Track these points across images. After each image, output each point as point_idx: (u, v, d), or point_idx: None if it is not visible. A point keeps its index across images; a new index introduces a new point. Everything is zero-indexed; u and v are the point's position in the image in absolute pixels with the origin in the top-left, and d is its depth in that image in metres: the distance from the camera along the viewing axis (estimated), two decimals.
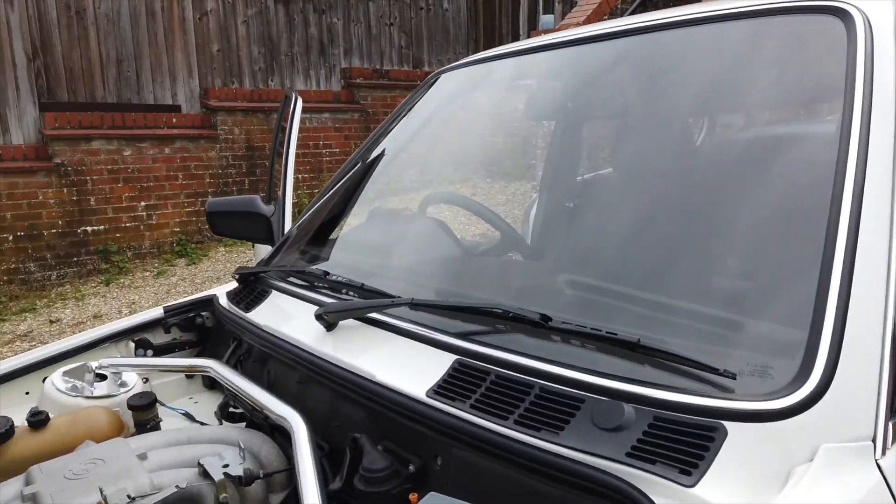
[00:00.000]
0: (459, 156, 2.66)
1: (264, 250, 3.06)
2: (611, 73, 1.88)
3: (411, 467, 1.09)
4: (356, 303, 1.42)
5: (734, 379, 0.91)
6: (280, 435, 1.34)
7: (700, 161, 1.81)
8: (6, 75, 6.80)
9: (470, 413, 1.03)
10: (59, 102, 7.10)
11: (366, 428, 1.19)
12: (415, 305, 1.29)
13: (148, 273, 7.07)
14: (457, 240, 1.88)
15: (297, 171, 8.27)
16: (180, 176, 7.61)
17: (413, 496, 1.03)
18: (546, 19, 8.42)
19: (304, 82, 8.76)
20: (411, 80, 9.12)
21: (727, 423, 0.85)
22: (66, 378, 1.73)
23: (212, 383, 1.98)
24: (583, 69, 1.92)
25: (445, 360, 1.16)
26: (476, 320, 1.21)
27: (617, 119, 2.03)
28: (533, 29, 9.50)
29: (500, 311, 1.17)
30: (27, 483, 1.15)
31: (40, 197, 6.72)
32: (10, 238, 6.60)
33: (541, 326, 1.11)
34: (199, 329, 2.06)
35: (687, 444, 0.85)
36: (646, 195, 1.55)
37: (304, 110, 8.27)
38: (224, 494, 1.09)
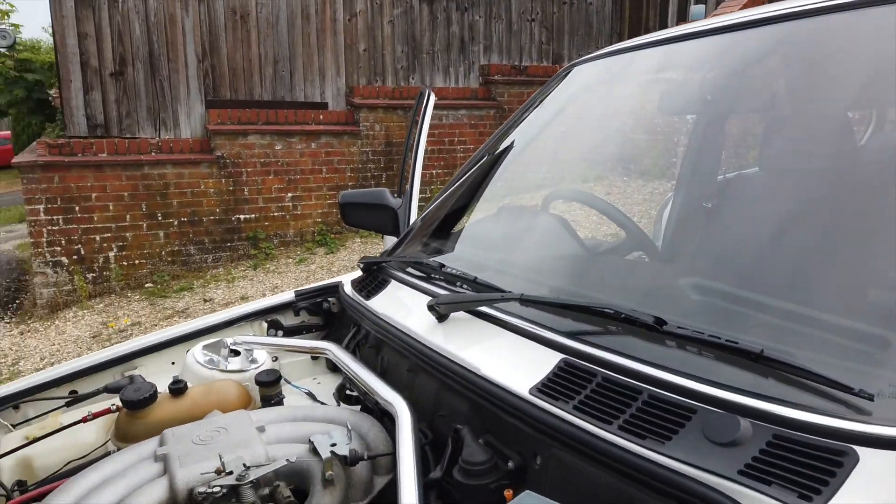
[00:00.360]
0: (593, 152, 2.58)
1: (392, 242, 3.15)
2: (760, 63, 1.74)
3: (510, 464, 1.07)
4: (467, 295, 1.41)
5: (871, 400, 0.81)
6: (389, 420, 1.37)
7: (864, 161, 1.62)
8: (179, 75, 7.51)
9: (572, 414, 1.00)
10: (222, 100, 7.73)
11: (469, 420, 1.18)
12: (525, 301, 1.26)
13: (291, 260, 7.53)
14: (577, 238, 1.82)
15: (430, 168, 8.47)
16: (324, 169, 8.04)
17: (508, 492, 1.02)
18: (696, 10, 7.98)
19: (443, 79, 8.93)
20: (549, 76, 8.99)
21: (859, 449, 0.76)
22: (205, 352, 1.88)
23: (334, 366, 2.07)
24: (728, 59, 1.79)
25: (552, 359, 1.13)
26: (586, 319, 1.17)
27: (766, 113, 1.88)
28: (682, 21, 9.05)
29: (612, 311, 1.12)
30: (160, 444, 1.26)
31: (202, 186, 7.36)
32: (175, 223, 7.29)
33: (654, 330, 1.05)
34: (325, 314, 2.16)
35: (810, 468, 0.77)
36: (796, 198, 1.42)
37: (441, 107, 8.44)
38: (330, 472, 1.13)
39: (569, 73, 2.24)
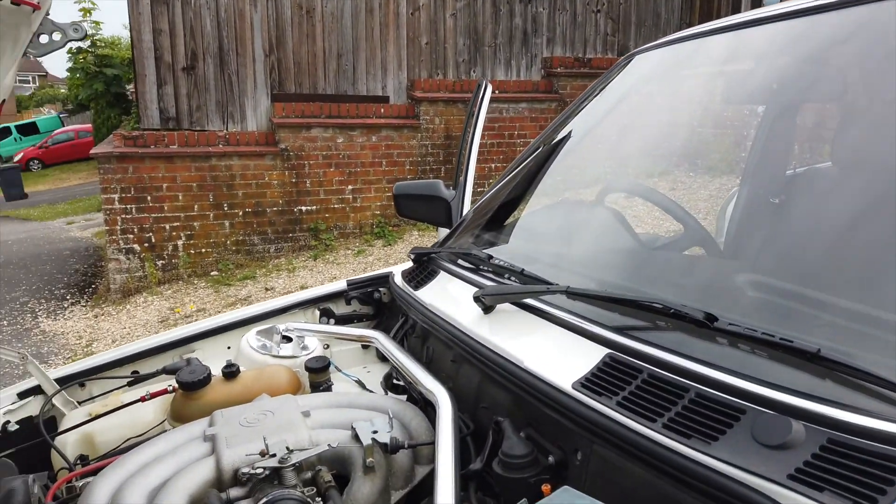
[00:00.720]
0: (654, 145, 2.51)
1: (445, 233, 3.14)
2: (835, 50, 1.64)
3: (551, 458, 1.05)
4: (512, 287, 1.40)
5: None
6: (432, 410, 1.37)
7: None
8: (246, 69, 7.72)
9: (616, 410, 0.97)
10: (287, 93, 7.90)
11: (510, 413, 1.17)
12: (571, 294, 1.24)
13: (349, 251, 7.64)
14: (632, 232, 1.77)
15: (489, 161, 8.43)
16: (384, 162, 8.12)
17: (546, 487, 1.00)
18: None
19: (504, 72, 8.87)
20: None
21: None
22: (259, 337, 1.92)
23: (383, 355, 2.08)
24: (801, 45, 1.70)
25: (596, 353, 1.10)
26: (633, 314, 1.13)
27: (842, 104, 1.78)
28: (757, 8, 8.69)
29: (661, 306, 1.08)
30: (210, 424, 1.29)
31: (266, 178, 7.55)
32: (241, 214, 7.51)
33: (705, 326, 1.01)
34: (376, 303, 2.18)
35: (866, 475, 0.72)
36: (869, 194, 1.34)
37: (502, 100, 8.39)
38: (370, 459, 1.14)
39: (629, 62, 2.18)
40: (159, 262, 7.22)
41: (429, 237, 7.98)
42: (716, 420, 0.87)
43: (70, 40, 1.65)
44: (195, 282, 7.16)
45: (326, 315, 2.15)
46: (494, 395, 1.24)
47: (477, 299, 1.40)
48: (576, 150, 2.06)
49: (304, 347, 1.90)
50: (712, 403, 0.90)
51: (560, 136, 2.12)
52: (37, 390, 1.80)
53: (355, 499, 1.11)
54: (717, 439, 0.85)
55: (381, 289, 2.18)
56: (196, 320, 6.09)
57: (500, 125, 8.47)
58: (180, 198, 7.21)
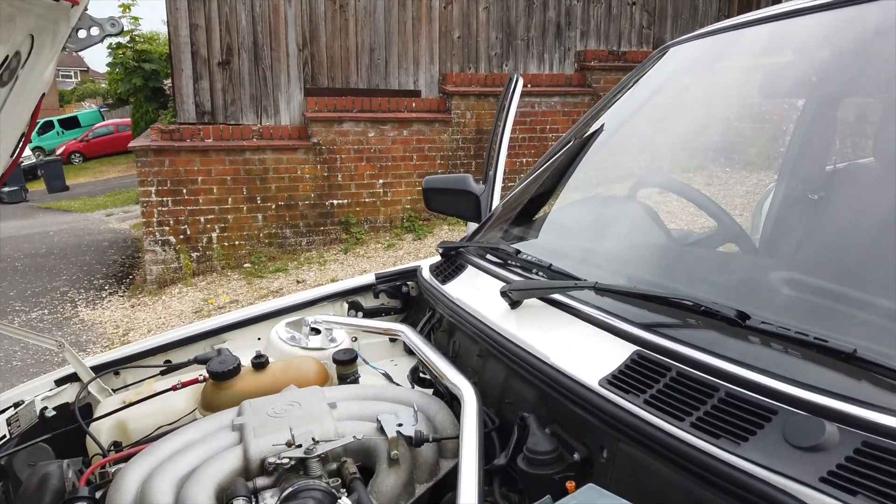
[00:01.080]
0: (688, 139, 2.46)
1: (474, 228, 3.13)
2: (880, 41, 1.59)
3: (576, 455, 1.04)
4: (539, 282, 1.38)
5: None
6: (458, 404, 1.36)
7: None
8: (280, 64, 7.80)
9: (643, 409, 0.95)
10: (320, 88, 7.96)
11: (535, 409, 1.16)
12: (599, 290, 1.22)
13: (380, 245, 7.68)
14: (664, 227, 1.74)
15: (520, 156, 8.38)
16: (414, 157, 8.13)
17: (571, 484, 0.99)
18: None
19: (537, 66, 8.80)
20: None
21: None
22: (288, 329, 1.94)
23: (410, 349, 2.09)
24: (843, 36, 1.65)
25: (624, 350, 1.09)
26: (663, 311, 1.11)
27: (884, 98, 1.72)
28: None
29: (691, 303, 1.06)
30: (238, 414, 1.31)
31: (298, 172, 7.63)
32: (273, 207, 7.59)
33: (736, 325, 0.99)
34: (404, 297, 2.18)
35: None
36: None
37: (534, 94, 8.33)
38: (395, 451, 1.14)
39: (664, 54, 2.14)
40: (194, 254, 7.34)
41: (459, 232, 7.97)
42: (746, 420, 0.85)
43: (107, 35, 1.68)
44: (228, 274, 7.27)
45: (354, 308, 2.17)
46: (520, 390, 1.23)
47: (504, 294, 1.39)
48: (608, 144, 2.03)
49: (333, 340, 1.91)
50: (743, 403, 0.88)
51: (592, 130, 2.10)
52: (73, 378, 1.84)
53: (380, 491, 1.12)
54: (746, 440, 0.83)
55: (409, 282, 2.18)
56: (229, 312, 6.19)
57: (532, 119, 8.41)
58: (215, 191, 7.32)
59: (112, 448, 1.54)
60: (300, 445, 1.13)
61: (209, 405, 1.61)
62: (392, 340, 2.10)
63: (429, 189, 2.60)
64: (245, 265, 7.43)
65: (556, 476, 1.02)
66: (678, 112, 2.21)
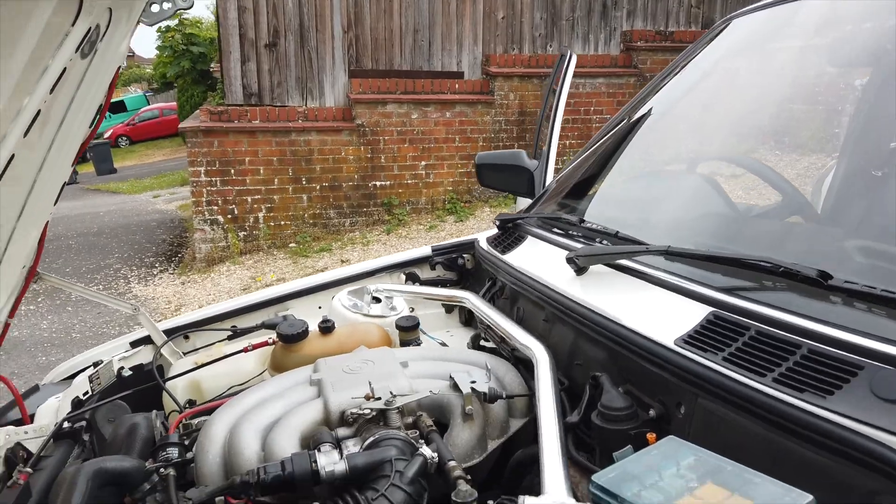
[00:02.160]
0: (745, 120, 2.42)
1: (524, 204, 3.13)
2: None
3: (651, 412, 1.06)
4: (608, 248, 1.40)
5: None
6: (524, 368, 1.39)
7: None
8: (325, 46, 7.86)
9: (723, 366, 0.97)
10: (363, 70, 8.01)
11: (606, 369, 1.17)
12: (671, 254, 1.23)
13: (422, 227, 7.73)
14: (728, 199, 1.73)
15: (564, 137, 8.30)
16: (457, 139, 8.13)
17: (651, 436, 1.01)
18: None
19: (581, 47, 8.70)
20: None
21: None
22: (350, 297, 1.99)
23: (467, 320, 2.12)
24: None
25: (699, 312, 1.10)
26: (738, 273, 1.12)
27: None
28: None
29: (770, 264, 1.06)
30: (314, 371, 1.36)
31: (342, 153, 7.71)
32: (318, 188, 7.70)
33: (818, 285, 0.99)
34: (460, 269, 2.21)
35: None
36: None
37: (579, 75, 8.23)
38: (469, 406, 1.18)
39: (725, 27, 2.11)
40: (241, 234, 7.50)
41: (500, 213, 7.97)
42: (831, 375, 0.86)
43: (179, 9, 1.73)
44: (274, 253, 7.41)
45: (412, 279, 2.21)
46: (590, 352, 1.25)
47: (570, 261, 1.41)
48: (669, 117, 2.02)
49: (392, 308, 1.96)
50: (827, 359, 0.88)
51: (650, 105, 2.08)
52: (146, 340, 1.92)
53: (455, 444, 1.15)
54: (832, 393, 0.84)
55: (464, 255, 2.21)
56: (289, 282, 6.29)
57: (576, 101, 8.33)
58: (261, 171, 7.45)
59: (188, 405, 1.61)
60: (380, 398, 1.17)
61: (278, 366, 1.67)
62: (448, 311, 2.14)
63: (482, 165, 2.61)
64: (290, 245, 7.57)
65: (631, 431, 1.04)
66: (740, 89, 2.17)
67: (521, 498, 0.83)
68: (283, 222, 7.64)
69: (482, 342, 1.75)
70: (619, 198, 1.89)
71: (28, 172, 1.33)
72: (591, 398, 1.14)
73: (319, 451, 1.05)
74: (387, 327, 1.84)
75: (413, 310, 2.07)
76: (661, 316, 1.15)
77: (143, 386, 1.76)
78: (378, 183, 7.91)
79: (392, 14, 8.02)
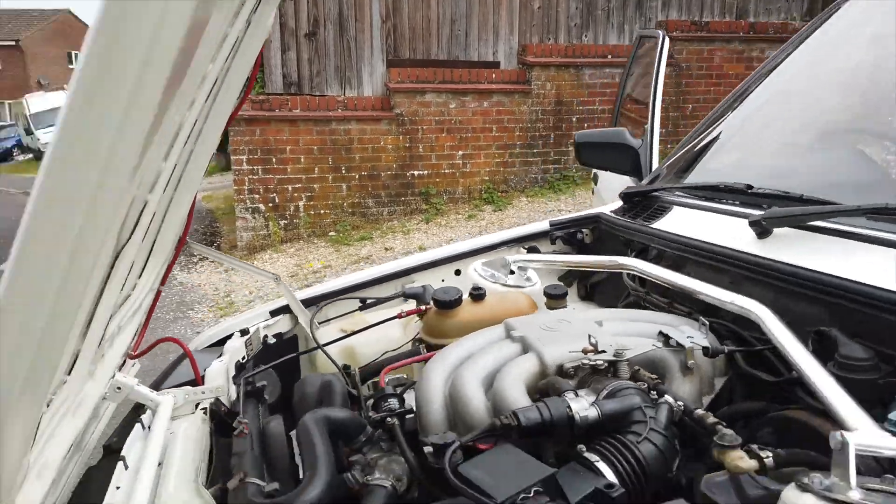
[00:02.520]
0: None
1: (604, 188, 3.14)
2: None
3: None
4: (805, 209, 1.40)
5: None
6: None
7: None
8: (364, 35, 7.87)
9: None
10: (401, 59, 8.01)
11: (826, 325, 1.18)
12: (875, 212, 1.23)
13: (460, 216, 7.74)
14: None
15: (598, 125, 8.29)
16: (494, 128, 8.13)
17: None
18: None
19: (616, 37, 8.68)
20: (733, 32, 8.52)
21: None
22: (486, 268, 2.00)
23: (586, 293, 2.14)
24: None
25: None
26: None
27: None
28: None
29: None
30: (508, 330, 1.37)
31: (381, 142, 7.72)
32: (357, 177, 7.71)
33: None
34: (578, 244, 2.22)
35: None
36: None
37: (615, 65, 8.22)
38: (692, 361, 1.19)
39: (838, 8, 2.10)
40: (282, 222, 7.53)
41: (538, 203, 7.97)
42: None
43: None
44: (315, 241, 7.44)
45: (533, 253, 2.22)
46: (797, 309, 1.26)
47: (755, 223, 1.42)
48: (803, 85, 2.01)
49: (528, 279, 1.97)
50: None
51: (777, 76, 2.08)
52: (285, 309, 1.95)
53: (679, 396, 1.16)
54: None
55: (583, 230, 2.22)
56: (325, 276, 6.34)
57: (612, 91, 8.30)
58: (302, 160, 7.47)
59: (345, 369, 1.63)
60: (603, 351, 1.18)
61: (432, 332, 1.69)
62: (568, 285, 2.15)
63: (582, 143, 2.63)
64: (330, 234, 7.59)
65: (879, 380, 1.05)
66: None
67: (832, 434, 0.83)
68: (322, 211, 7.66)
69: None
70: (771, 168, 1.88)
71: (189, 141, 1.35)
72: (815, 353, 1.15)
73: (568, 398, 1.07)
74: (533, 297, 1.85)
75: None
76: (878, 269, 1.15)
77: (306, 351, 1.82)
78: (416, 172, 7.92)
79: (429, 4, 8.02)
